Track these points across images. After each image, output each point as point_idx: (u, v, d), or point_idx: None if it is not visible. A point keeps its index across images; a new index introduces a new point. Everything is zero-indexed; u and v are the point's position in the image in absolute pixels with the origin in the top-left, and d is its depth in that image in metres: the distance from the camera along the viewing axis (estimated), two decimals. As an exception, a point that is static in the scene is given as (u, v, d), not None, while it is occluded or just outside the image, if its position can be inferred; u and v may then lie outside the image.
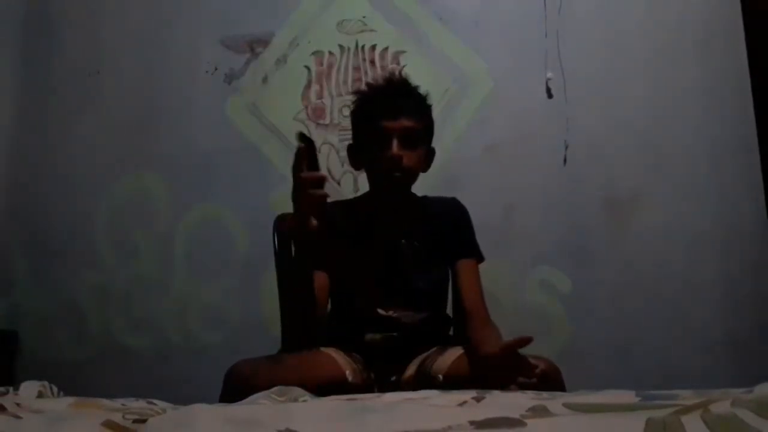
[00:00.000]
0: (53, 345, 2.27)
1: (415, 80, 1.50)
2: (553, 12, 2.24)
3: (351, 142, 1.50)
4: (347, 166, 2.20)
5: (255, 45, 2.37)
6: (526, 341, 1.08)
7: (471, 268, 1.46)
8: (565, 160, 2.18)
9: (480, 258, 1.50)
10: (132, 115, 2.39)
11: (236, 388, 1.09)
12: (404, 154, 1.35)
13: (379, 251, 1.43)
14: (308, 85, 2.33)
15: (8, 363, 2.22)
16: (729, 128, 2.12)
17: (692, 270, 2.06)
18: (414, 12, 2.32)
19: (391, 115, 1.36)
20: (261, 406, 0.75)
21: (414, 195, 1.50)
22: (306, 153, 1.12)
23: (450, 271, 1.48)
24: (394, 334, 1.39)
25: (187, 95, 2.36)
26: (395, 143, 1.34)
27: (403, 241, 1.44)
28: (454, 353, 1.31)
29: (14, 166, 2.41)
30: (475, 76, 2.26)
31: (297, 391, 0.89)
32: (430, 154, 1.48)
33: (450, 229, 1.47)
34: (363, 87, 1.51)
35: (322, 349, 1.31)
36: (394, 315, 1.40)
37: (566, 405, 0.65)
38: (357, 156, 1.47)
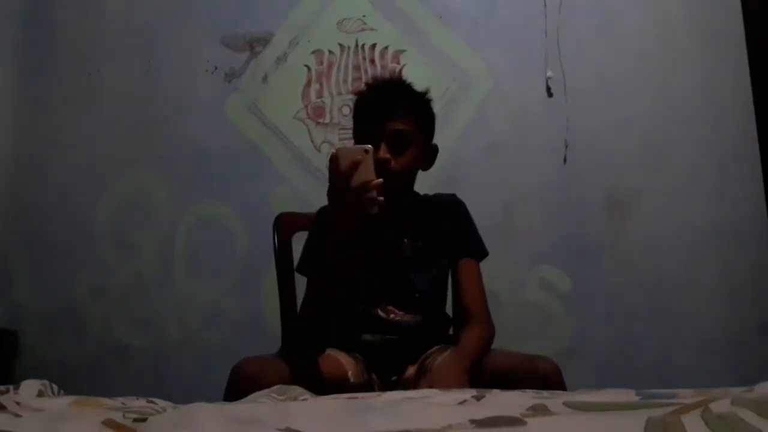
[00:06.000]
0: (53, 345, 2.27)
1: (415, 79, 1.49)
2: (553, 11, 2.24)
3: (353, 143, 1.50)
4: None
5: (255, 44, 2.37)
6: None
7: (471, 268, 1.45)
8: (565, 159, 2.18)
9: (482, 255, 1.49)
10: (132, 115, 2.39)
11: (241, 385, 1.09)
12: (392, 159, 1.34)
13: (380, 251, 1.43)
14: (308, 84, 2.33)
15: (8, 363, 2.22)
16: (729, 128, 2.12)
17: (692, 270, 2.06)
18: (414, 11, 2.32)
19: (380, 119, 1.35)
20: (261, 405, 0.75)
21: (416, 194, 1.50)
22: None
23: (450, 270, 1.48)
24: (394, 336, 1.39)
25: (187, 94, 2.36)
26: (382, 147, 1.33)
27: (405, 241, 1.44)
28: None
29: (14, 166, 2.41)
30: (475, 76, 2.26)
31: (296, 389, 0.89)
32: (433, 151, 1.47)
33: (450, 227, 1.47)
34: (363, 87, 1.50)
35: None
36: (395, 318, 1.40)
37: (566, 404, 0.64)
38: None
